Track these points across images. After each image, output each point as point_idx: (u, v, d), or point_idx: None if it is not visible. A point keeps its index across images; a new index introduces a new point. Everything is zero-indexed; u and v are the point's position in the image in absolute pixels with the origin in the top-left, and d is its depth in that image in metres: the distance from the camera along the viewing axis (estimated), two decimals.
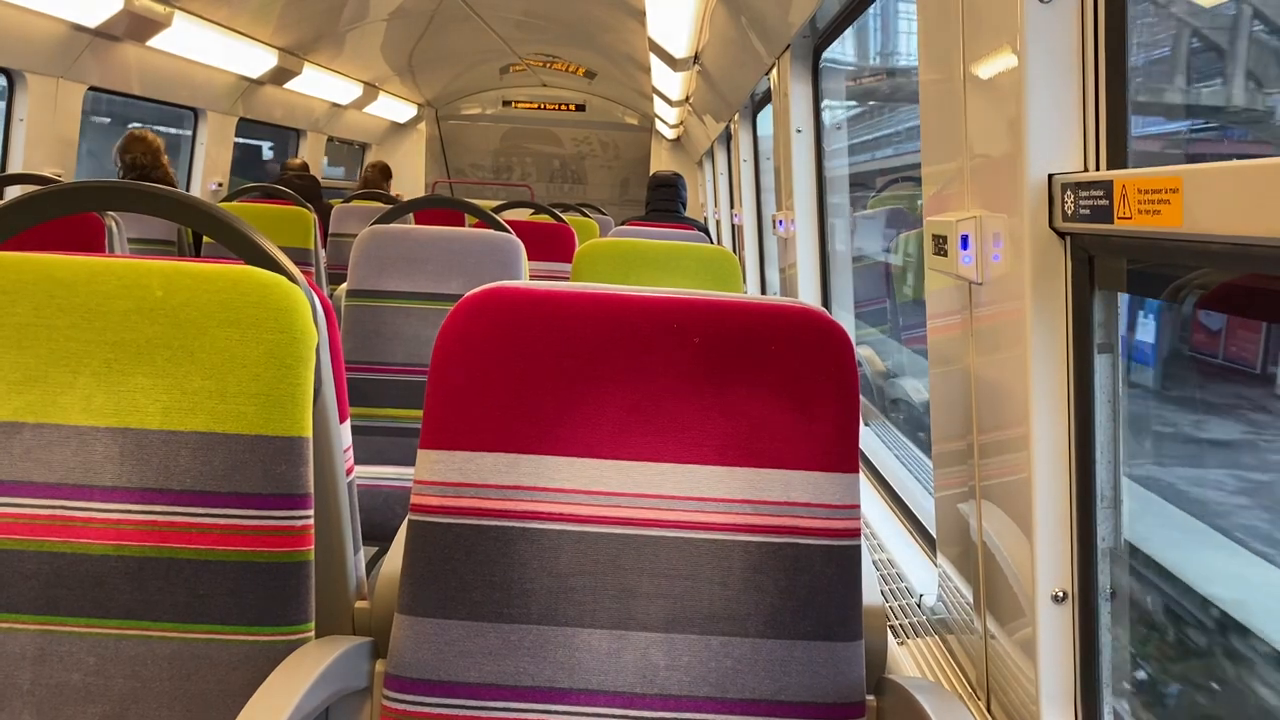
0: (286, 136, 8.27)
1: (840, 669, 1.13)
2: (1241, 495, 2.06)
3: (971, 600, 1.52)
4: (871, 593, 1.28)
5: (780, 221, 3.81)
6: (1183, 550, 1.83)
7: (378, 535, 1.98)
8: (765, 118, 5.02)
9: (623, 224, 4.68)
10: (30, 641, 1.13)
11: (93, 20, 4.24)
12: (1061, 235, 1.22)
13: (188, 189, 5.98)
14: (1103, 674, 1.26)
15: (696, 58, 5.12)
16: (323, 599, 1.24)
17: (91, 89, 4.72)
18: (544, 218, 4.26)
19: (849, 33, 3.22)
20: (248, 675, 1.14)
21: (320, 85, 7.28)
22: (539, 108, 11.50)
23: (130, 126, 4.48)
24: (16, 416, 1.16)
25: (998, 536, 1.39)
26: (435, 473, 1.16)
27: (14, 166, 4.30)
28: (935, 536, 1.76)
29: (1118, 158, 1.17)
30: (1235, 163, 0.89)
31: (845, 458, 1.16)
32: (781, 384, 1.16)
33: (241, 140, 7.02)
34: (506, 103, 11.47)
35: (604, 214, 6.14)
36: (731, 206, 6.84)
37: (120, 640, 1.14)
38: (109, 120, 6.40)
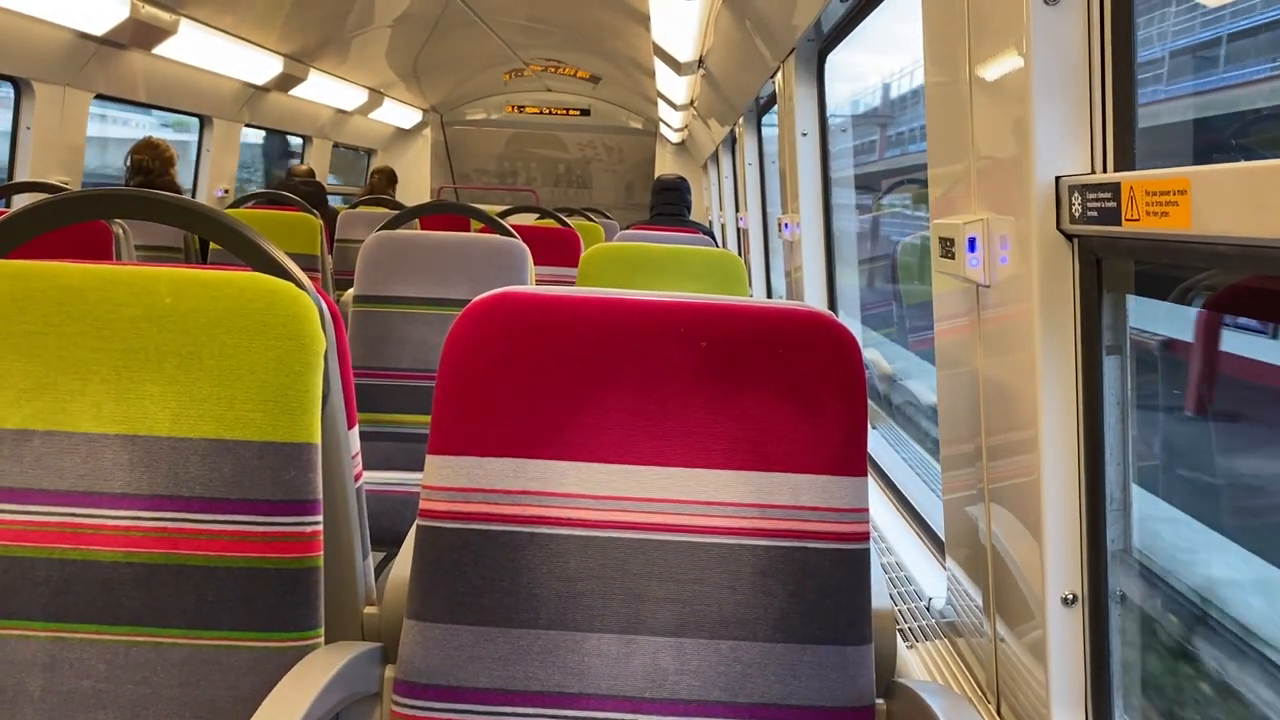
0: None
1: (850, 673, 1.13)
2: None
3: (981, 603, 1.51)
4: (880, 596, 1.27)
5: (786, 225, 3.81)
6: None
7: (386, 541, 1.98)
8: (770, 120, 5.02)
9: (628, 228, 4.68)
10: (41, 648, 1.14)
11: (99, 28, 4.25)
12: (1069, 237, 1.21)
13: (194, 196, 5.99)
14: (1113, 676, 1.25)
15: (701, 62, 5.12)
16: (332, 604, 1.24)
17: (98, 97, 4.74)
18: (549, 222, 4.27)
19: None
20: (258, 681, 1.14)
21: (325, 91, 7.29)
22: (544, 112, 11.50)
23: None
24: (26, 424, 1.16)
25: (1007, 539, 1.39)
26: (443, 478, 1.16)
27: (21, 175, 4.32)
28: (944, 540, 1.75)
29: (1125, 159, 1.17)
30: (1244, 164, 0.89)
31: (853, 461, 1.16)
32: (788, 388, 1.16)
33: None
34: (511, 107, 11.48)
35: (609, 218, 6.15)
36: (736, 210, 6.85)
37: (130, 647, 1.14)
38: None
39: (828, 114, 3.51)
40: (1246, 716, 1.42)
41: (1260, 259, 0.89)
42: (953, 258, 1.41)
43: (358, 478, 1.34)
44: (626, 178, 11.72)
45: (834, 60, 3.43)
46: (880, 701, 1.17)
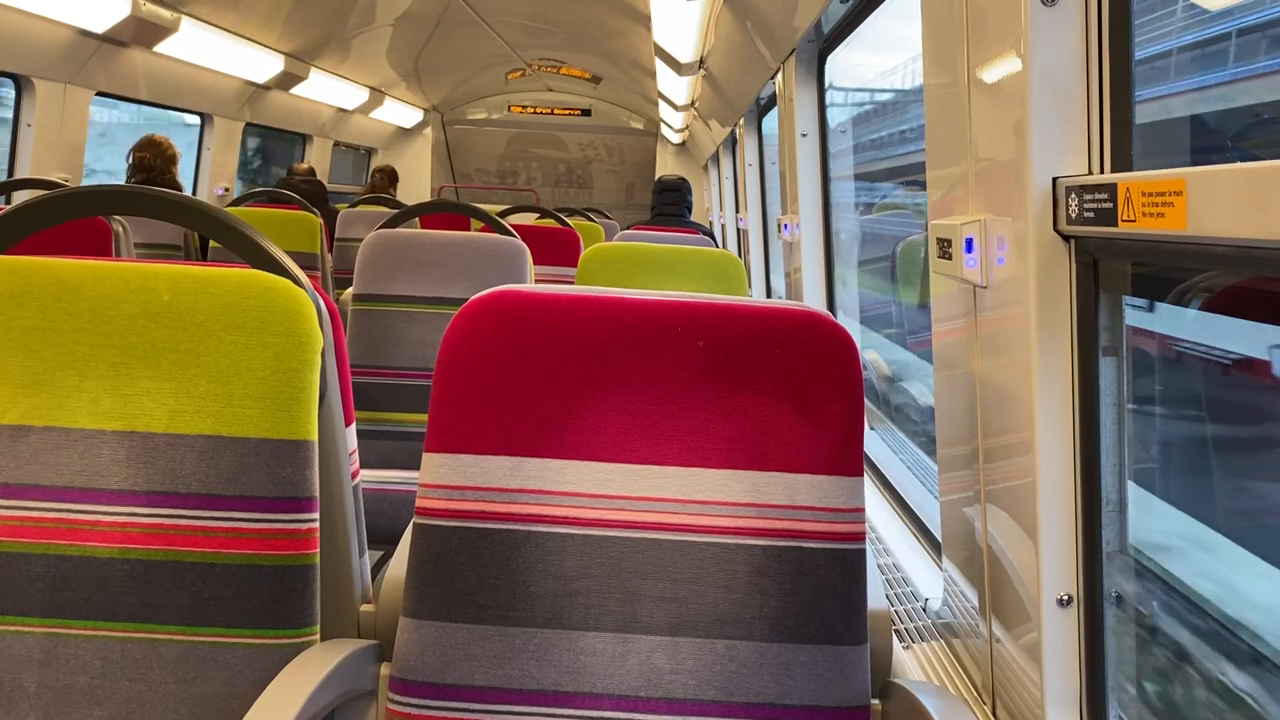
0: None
1: (845, 673, 1.13)
2: None
3: (977, 604, 1.51)
4: (876, 597, 1.27)
5: (785, 225, 3.82)
6: None
7: (383, 539, 1.98)
8: (771, 121, 5.02)
9: (628, 228, 4.69)
10: (36, 644, 1.14)
11: (100, 26, 4.26)
12: (1066, 238, 1.21)
13: (195, 193, 6.00)
14: (1108, 677, 1.25)
15: (702, 62, 5.13)
16: (328, 602, 1.24)
17: (99, 94, 4.74)
18: (549, 222, 4.27)
19: None
20: (253, 678, 1.14)
21: (326, 90, 7.30)
22: (545, 112, 11.51)
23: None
24: (24, 420, 1.16)
25: (1003, 540, 1.39)
26: (440, 476, 1.16)
27: (22, 172, 4.32)
28: (940, 541, 1.75)
29: (1122, 160, 1.17)
30: (1239, 165, 0.89)
31: (850, 461, 1.16)
32: (786, 387, 1.16)
33: None
34: (512, 107, 11.49)
35: (609, 218, 6.16)
36: (736, 211, 6.85)
37: (126, 643, 1.14)
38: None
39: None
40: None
41: (1256, 260, 0.89)
42: (950, 258, 1.41)
43: (354, 475, 1.34)
44: (627, 178, 11.72)
45: (835, 60, 3.43)
46: (876, 702, 1.17)
